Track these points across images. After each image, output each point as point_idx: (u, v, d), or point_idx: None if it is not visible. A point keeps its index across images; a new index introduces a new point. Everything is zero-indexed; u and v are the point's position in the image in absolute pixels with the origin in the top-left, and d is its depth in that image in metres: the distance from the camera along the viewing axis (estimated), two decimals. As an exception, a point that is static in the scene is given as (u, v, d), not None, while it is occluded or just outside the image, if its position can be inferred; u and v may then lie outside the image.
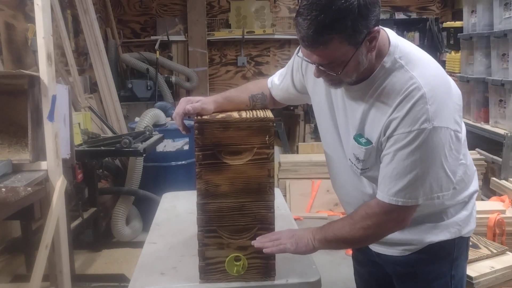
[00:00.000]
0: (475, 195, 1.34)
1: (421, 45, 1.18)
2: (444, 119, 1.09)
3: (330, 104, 1.28)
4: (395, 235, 1.25)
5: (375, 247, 1.37)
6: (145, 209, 3.48)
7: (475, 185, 1.34)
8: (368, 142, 1.17)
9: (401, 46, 1.15)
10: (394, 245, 1.30)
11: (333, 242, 1.22)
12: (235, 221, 1.24)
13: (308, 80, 1.34)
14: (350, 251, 2.98)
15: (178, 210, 1.84)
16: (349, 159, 1.24)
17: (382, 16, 5.00)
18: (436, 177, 1.12)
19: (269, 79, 1.48)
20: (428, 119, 1.07)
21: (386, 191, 1.14)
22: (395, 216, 1.16)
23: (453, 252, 1.29)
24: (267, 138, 1.20)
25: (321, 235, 1.23)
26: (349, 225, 1.20)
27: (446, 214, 1.27)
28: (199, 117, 1.22)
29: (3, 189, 1.78)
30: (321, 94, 1.30)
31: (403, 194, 1.12)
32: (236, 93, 1.40)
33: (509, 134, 3.13)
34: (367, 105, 1.16)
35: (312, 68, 1.19)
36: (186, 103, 1.27)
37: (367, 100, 1.16)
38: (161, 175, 3.64)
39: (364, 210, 1.19)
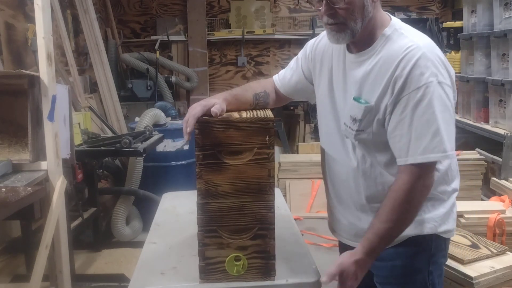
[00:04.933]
0: (455, 195, 1.36)
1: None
2: (445, 78, 1.16)
3: (330, 79, 1.35)
4: None
5: (352, 242, 1.39)
6: (145, 209, 3.48)
7: (456, 184, 1.36)
8: (367, 102, 1.22)
9: (401, 23, 1.27)
10: None
11: (381, 243, 1.21)
12: (235, 221, 1.24)
13: (316, 64, 1.42)
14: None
15: (178, 210, 1.84)
16: (344, 123, 1.28)
17: (382, 16, 4.99)
18: (451, 132, 1.17)
19: (275, 76, 1.54)
20: (433, 74, 1.14)
21: (414, 152, 1.15)
22: (423, 178, 1.17)
23: (430, 248, 1.31)
24: (267, 138, 1.20)
25: (368, 248, 1.21)
26: (384, 215, 1.19)
27: (423, 209, 1.29)
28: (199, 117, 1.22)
29: (3, 189, 1.77)
30: (324, 76, 1.38)
31: (431, 149, 1.14)
32: (242, 91, 1.43)
33: (509, 134, 3.13)
34: (367, 69, 1.22)
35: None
36: (202, 108, 1.24)
37: (368, 65, 1.22)
38: (161, 175, 3.64)
39: (389, 194, 1.20)
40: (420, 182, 1.17)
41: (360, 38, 1.23)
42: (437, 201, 1.31)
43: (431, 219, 1.30)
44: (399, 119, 1.17)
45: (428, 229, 1.30)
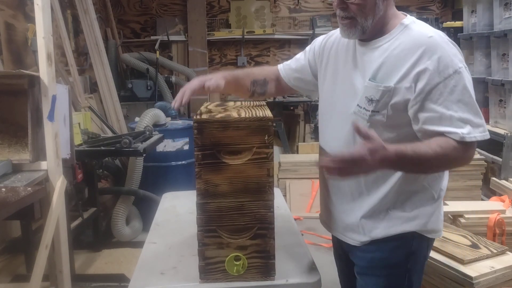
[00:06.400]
0: (442, 195, 1.36)
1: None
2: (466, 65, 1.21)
3: (336, 71, 1.37)
4: (364, 222, 1.31)
5: (340, 235, 1.40)
6: (145, 209, 3.48)
7: (445, 184, 1.37)
8: (385, 84, 1.22)
9: (416, 19, 1.30)
10: (358, 232, 1.34)
11: (409, 157, 1.14)
12: (235, 220, 1.24)
13: (323, 59, 1.45)
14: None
15: (178, 210, 1.84)
16: (357, 105, 1.27)
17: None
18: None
19: (280, 65, 1.57)
20: (460, 60, 1.19)
21: (462, 131, 1.16)
22: (469, 152, 1.19)
23: (411, 245, 1.32)
24: (266, 138, 1.20)
25: (400, 150, 1.14)
26: (431, 145, 1.17)
27: (412, 205, 1.30)
28: (198, 117, 1.22)
29: (3, 189, 1.77)
30: (329, 71, 1.40)
31: (475, 128, 1.17)
32: (242, 75, 1.46)
33: (509, 134, 3.13)
34: (385, 53, 1.23)
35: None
36: (199, 82, 1.29)
37: (385, 49, 1.24)
38: (161, 175, 3.64)
39: (442, 142, 1.17)
40: (465, 154, 1.19)
41: (371, 31, 1.25)
42: (426, 195, 1.31)
43: (419, 216, 1.30)
44: (437, 105, 1.17)
45: (415, 226, 1.30)
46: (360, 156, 1.10)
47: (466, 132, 1.16)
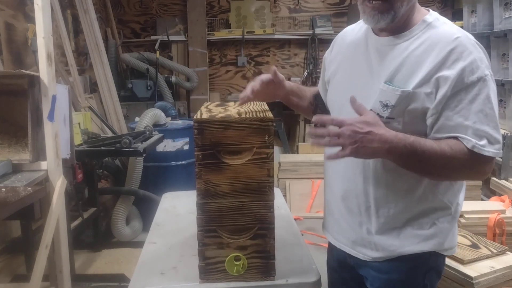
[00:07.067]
0: (459, 210, 1.29)
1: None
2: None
3: (347, 68, 1.31)
4: (376, 238, 1.25)
5: (348, 248, 1.33)
6: (145, 209, 3.48)
7: (462, 197, 1.29)
8: (403, 87, 1.14)
9: (439, 15, 1.22)
10: (370, 248, 1.28)
11: (412, 146, 1.08)
12: (235, 220, 1.24)
13: (333, 56, 1.40)
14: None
15: (178, 210, 1.84)
16: (371, 110, 1.16)
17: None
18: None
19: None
20: (487, 66, 1.12)
21: (477, 142, 1.10)
22: (488, 168, 1.13)
23: (427, 263, 1.26)
24: (266, 138, 1.20)
25: (401, 136, 1.09)
26: (440, 144, 1.10)
27: (430, 223, 1.23)
28: (198, 117, 1.22)
29: (3, 189, 1.78)
30: (342, 66, 1.34)
31: (496, 147, 1.11)
32: (304, 87, 1.50)
33: (509, 134, 3.13)
34: (405, 53, 1.17)
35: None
36: (268, 75, 1.35)
37: (405, 49, 1.17)
38: (161, 175, 3.65)
39: (454, 145, 1.10)
40: (478, 167, 1.13)
41: (397, 22, 1.17)
42: (445, 212, 1.24)
43: (437, 234, 1.23)
44: (454, 113, 1.11)
45: (432, 245, 1.23)
46: (350, 122, 1.06)
47: (481, 144, 1.09)
